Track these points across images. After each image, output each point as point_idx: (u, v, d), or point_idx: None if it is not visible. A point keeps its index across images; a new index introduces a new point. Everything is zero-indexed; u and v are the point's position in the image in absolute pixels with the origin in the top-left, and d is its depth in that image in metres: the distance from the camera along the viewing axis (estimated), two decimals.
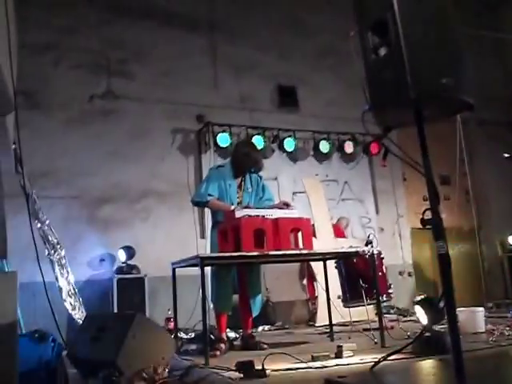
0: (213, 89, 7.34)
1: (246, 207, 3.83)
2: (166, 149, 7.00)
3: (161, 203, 6.81)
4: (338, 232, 6.94)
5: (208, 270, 4.09)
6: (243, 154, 4.16)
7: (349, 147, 7.89)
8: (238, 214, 3.57)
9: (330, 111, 7.93)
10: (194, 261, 3.51)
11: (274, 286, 6.68)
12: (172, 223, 6.78)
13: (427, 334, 3.12)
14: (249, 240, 3.45)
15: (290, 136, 7.54)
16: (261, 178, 4.32)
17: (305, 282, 6.95)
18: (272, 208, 3.86)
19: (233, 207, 3.91)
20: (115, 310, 5.60)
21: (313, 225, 6.19)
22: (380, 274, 4.51)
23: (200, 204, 4.20)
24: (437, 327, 3.60)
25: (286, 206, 3.93)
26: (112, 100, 6.75)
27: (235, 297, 4.23)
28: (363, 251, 4.05)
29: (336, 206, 7.77)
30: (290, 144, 7.48)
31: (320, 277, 5.74)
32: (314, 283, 6.52)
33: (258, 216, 3.58)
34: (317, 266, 6.13)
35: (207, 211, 5.04)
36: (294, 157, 7.73)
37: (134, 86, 6.92)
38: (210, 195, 4.07)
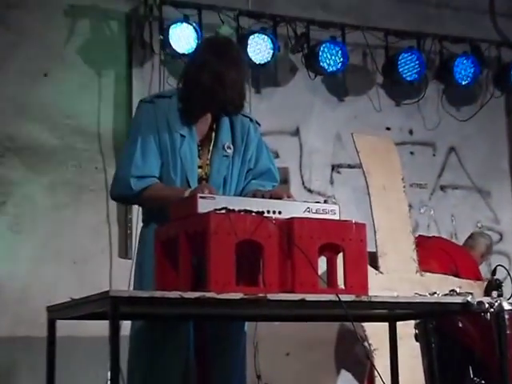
0: None
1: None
2: (55, 52, 7.32)
3: (35, 174, 7.15)
4: (465, 265, 7.39)
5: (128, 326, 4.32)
6: (203, 65, 4.25)
7: (462, 72, 8.21)
8: (204, 204, 3.71)
9: None
10: (97, 305, 3.60)
11: (277, 373, 7.00)
12: (57, 220, 7.12)
13: None
14: (225, 265, 3.63)
15: (333, 39, 7.87)
16: (254, 125, 4.58)
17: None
18: (255, 196, 4.14)
19: (188, 191, 4.14)
20: None
21: (372, 252, 6.40)
22: None
23: (131, 198, 4.47)
24: None
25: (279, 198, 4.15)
26: None
27: None
28: (480, 304, 4.11)
29: (428, 199, 8.25)
30: (330, 57, 7.86)
31: (381, 356, 5.95)
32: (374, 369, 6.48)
33: (248, 213, 3.74)
34: (375, 333, 6.35)
35: None
36: (339, 86, 8.12)
37: None
38: (150, 177, 4.34)
